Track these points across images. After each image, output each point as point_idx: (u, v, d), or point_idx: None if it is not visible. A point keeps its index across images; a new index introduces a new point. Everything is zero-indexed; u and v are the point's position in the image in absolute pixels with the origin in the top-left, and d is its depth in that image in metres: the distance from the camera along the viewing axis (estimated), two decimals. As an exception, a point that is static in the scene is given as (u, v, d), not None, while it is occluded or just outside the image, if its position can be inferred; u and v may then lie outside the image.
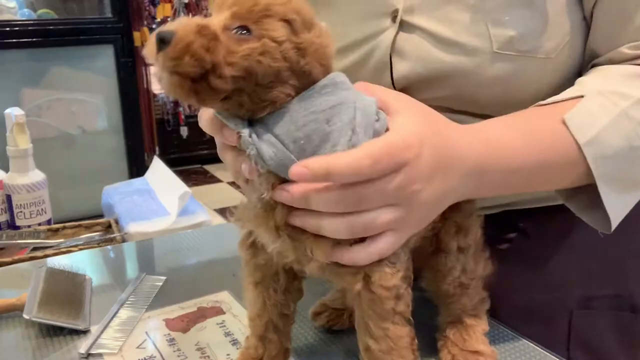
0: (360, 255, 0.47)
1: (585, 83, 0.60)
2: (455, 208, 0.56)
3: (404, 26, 0.63)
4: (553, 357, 0.61)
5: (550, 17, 0.60)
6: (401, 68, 0.64)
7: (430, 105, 0.56)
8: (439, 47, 0.61)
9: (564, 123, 0.56)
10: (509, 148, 0.55)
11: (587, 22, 0.63)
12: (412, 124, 0.48)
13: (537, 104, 0.60)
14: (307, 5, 0.47)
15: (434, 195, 0.49)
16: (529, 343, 0.63)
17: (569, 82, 0.63)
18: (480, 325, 0.60)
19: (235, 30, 0.44)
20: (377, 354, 0.50)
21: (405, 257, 0.51)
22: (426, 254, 0.58)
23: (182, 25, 0.43)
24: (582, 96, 0.58)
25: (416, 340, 0.52)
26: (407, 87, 0.64)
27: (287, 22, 0.45)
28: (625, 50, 0.60)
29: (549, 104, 0.59)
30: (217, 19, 0.45)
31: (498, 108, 0.63)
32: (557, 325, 0.71)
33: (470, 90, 0.62)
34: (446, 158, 0.50)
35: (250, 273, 0.56)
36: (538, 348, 0.62)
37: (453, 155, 0.51)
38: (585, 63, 0.65)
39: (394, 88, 0.64)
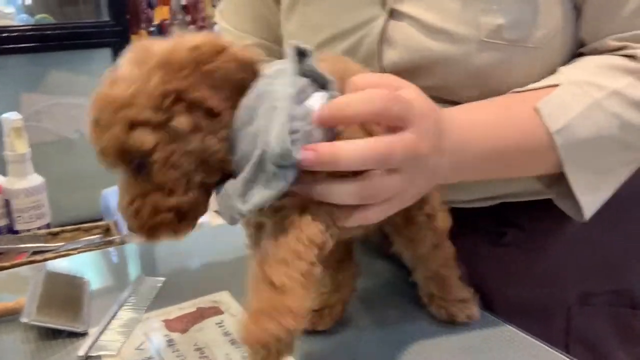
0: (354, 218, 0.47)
1: (563, 72, 0.61)
2: None
3: (393, 14, 0.63)
4: (553, 351, 0.61)
5: (540, 7, 0.60)
6: (390, 56, 0.64)
7: None
8: (428, 35, 0.62)
9: (537, 111, 0.58)
10: (487, 129, 0.57)
11: (577, 12, 0.63)
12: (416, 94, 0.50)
13: (513, 90, 0.61)
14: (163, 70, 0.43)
15: (432, 166, 0.50)
16: (528, 337, 0.63)
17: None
18: (454, 274, 0.65)
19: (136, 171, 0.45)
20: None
21: None
22: (396, 225, 0.61)
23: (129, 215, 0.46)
24: (557, 85, 0.59)
25: (319, 269, 0.46)
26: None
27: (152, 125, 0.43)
28: (610, 41, 0.61)
29: (525, 91, 0.60)
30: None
31: (485, 98, 0.63)
32: (555, 321, 0.71)
33: (458, 79, 0.62)
34: (440, 131, 0.51)
35: None
36: (538, 342, 0.62)
37: (444, 129, 0.52)
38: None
39: None
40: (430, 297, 0.66)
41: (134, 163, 0.44)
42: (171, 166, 0.44)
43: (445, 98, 0.65)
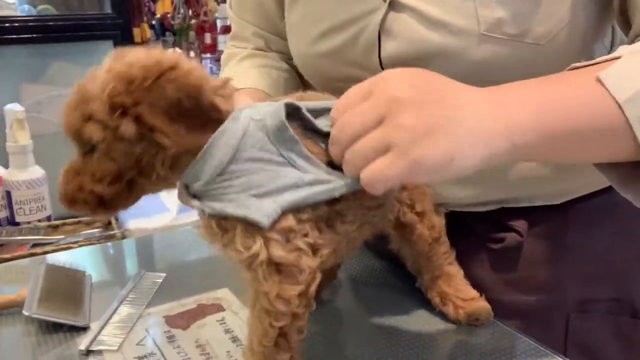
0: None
1: (622, 48, 0.54)
2: (404, 188, 0.60)
3: (394, 5, 0.63)
4: (554, 355, 0.61)
5: (543, 1, 0.58)
6: (389, 48, 0.64)
7: None
8: (428, 27, 0.61)
9: (600, 81, 0.49)
10: (537, 91, 0.51)
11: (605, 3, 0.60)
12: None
13: (570, 66, 0.54)
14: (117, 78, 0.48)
15: (426, 119, 0.46)
16: (529, 340, 0.63)
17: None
18: (459, 272, 0.66)
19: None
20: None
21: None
22: (388, 224, 0.61)
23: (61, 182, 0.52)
24: (619, 57, 0.51)
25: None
26: (394, 68, 0.64)
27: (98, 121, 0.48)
28: None
29: (582, 66, 0.53)
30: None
31: None
32: (554, 327, 0.70)
33: (457, 72, 0.60)
34: (445, 87, 0.49)
35: None
36: (539, 346, 0.62)
37: (457, 88, 0.50)
38: (632, 37, 0.59)
39: (382, 68, 0.64)
40: (444, 297, 0.65)
41: (84, 146, 0.51)
42: (109, 159, 0.50)
43: None
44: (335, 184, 0.50)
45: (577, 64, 0.54)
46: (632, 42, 0.58)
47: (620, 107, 0.48)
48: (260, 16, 0.81)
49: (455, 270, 0.66)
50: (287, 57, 0.80)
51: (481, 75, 0.60)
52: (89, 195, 0.51)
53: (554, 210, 0.70)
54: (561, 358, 0.60)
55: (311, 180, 0.49)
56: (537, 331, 0.66)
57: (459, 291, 0.65)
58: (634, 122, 0.48)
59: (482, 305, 0.65)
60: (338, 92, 0.52)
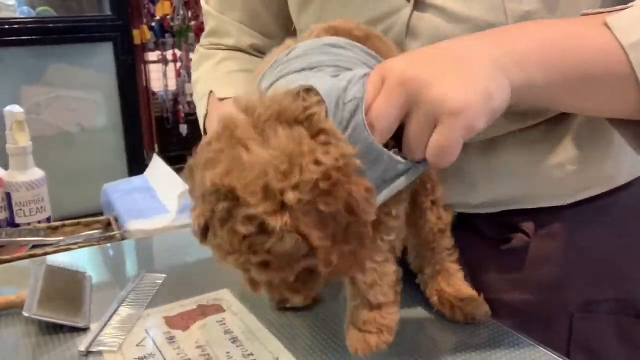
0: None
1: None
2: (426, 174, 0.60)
3: (418, 5, 0.62)
4: (556, 357, 0.61)
5: None
6: (414, 48, 0.63)
7: None
8: (453, 24, 0.60)
9: (607, 25, 0.50)
10: (545, 45, 0.51)
11: None
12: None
13: (582, 13, 0.55)
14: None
15: (447, 80, 0.47)
16: (531, 342, 0.63)
17: None
18: (459, 271, 0.66)
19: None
20: (361, 286, 0.54)
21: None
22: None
23: None
24: (629, 6, 0.52)
25: (401, 285, 0.56)
26: None
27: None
28: None
29: (593, 13, 0.54)
30: None
31: None
32: (558, 328, 0.70)
33: None
34: (446, 54, 0.50)
35: None
36: (541, 348, 0.62)
37: (456, 47, 0.51)
38: None
39: None
40: (441, 296, 0.66)
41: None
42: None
43: None
44: (413, 168, 0.50)
45: (589, 11, 0.54)
46: None
47: (624, 51, 0.49)
48: (251, 16, 0.79)
49: (456, 269, 0.66)
50: None
51: None
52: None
53: (560, 212, 0.70)
54: (560, 357, 0.60)
55: (404, 169, 0.50)
56: (541, 331, 0.66)
57: (458, 291, 0.65)
58: (637, 66, 0.48)
59: (479, 305, 0.65)
60: None
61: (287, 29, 0.78)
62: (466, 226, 0.71)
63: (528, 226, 0.70)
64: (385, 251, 0.53)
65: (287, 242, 0.43)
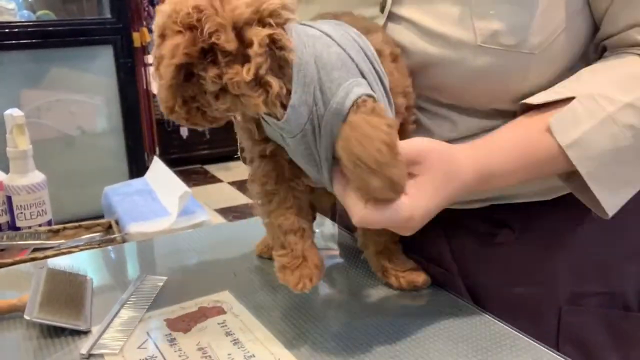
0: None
1: (582, 80, 0.62)
2: None
3: (392, 17, 0.64)
4: (545, 349, 0.61)
5: (538, 12, 0.60)
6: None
7: (418, 96, 0.64)
8: (425, 39, 0.63)
9: (549, 129, 0.60)
10: (502, 155, 0.61)
11: (591, 7, 0.63)
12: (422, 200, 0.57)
13: (529, 100, 0.63)
14: None
15: (445, 195, 0.59)
16: (520, 335, 0.64)
17: (565, 75, 0.64)
18: (400, 247, 0.73)
19: None
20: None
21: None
22: None
23: None
24: (573, 97, 0.60)
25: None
26: None
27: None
28: (637, 35, 0.61)
29: (542, 104, 0.62)
30: None
31: (484, 102, 0.64)
32: (546, 320, 0.71)
33: (454, 82, 0.63)
34: (453, 174, 0.58)
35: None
36: (530, 340, 0.62)
37: (457, 187, 0.59)
38: (597, 41, 0.66)
39: None
40: (385, 271, 0.73)
41: None
42: None
43: (444, 102, 0.66)
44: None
45: (533, 101, 0.62)
46: (596, 48, 0.66)
47: (563, 150, 0.60)
48: None
49: (395, 248, 0.73)
50: None
51: (478, 83, 0.63)
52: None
53: (546, 206, 0.71)
54: (552, 352, 0.60)
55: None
56: (529, 324, 0.67)
57: (398, 265, 0.73)
58: (576, 162, 0.60)
59: (419, 274, 0.73)
60: None
61: None
62: (455, 222, 0.72)
63: (514, 221, 0.71)
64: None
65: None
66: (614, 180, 0.61)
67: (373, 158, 0.51)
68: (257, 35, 0.50)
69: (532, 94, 0.63)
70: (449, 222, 0.70)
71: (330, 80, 0.54)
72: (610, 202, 0.62)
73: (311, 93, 0.54)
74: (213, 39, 0.49)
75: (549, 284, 0.72)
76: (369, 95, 0.54)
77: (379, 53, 0.60)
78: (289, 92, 0.53)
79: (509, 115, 0.65)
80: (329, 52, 0.55)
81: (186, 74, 0.52)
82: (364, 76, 0.56)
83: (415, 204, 0.56)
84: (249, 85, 0.51)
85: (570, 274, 0.72)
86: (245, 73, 0.50)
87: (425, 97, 0.67)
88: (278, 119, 0.55)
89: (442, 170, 0.57)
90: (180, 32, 0.50)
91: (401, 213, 0.55)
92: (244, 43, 0.50)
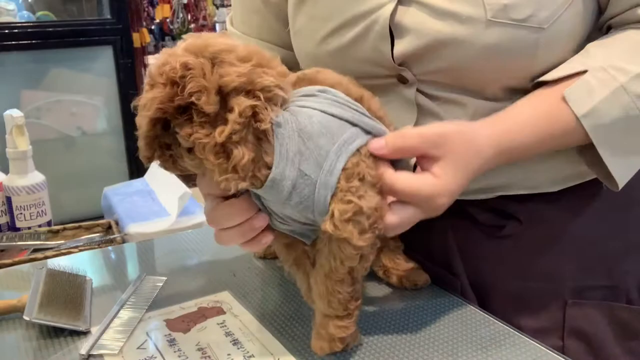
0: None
1: (591, 53, 0.64)
2: None
3: (402, 0, 0.64)
4: (547, 350, 0.61)
5: None
6: (401, 42, 0.65)
7: (430, 82, 0.65)
8: (436, 18, 0.63)
9: (564, 99, 0.62)
10: (521, 130, 0.63)
11: None
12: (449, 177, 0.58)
13: (543, 78, 0.64)
14: None
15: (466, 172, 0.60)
16: (523, 336, 0.63)
17: (570, 54, 0.66)
18: (399, 246, 0.74)
19: None
20: (313, 295, 0.59)
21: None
22: None
23: None
24: (585, 71, 0.62)
25: (358, 303, 0.59)
26: (406, 61, 0.66)
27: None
28: (639, 11, 0.64)
29: (555, 79, 0.64)
30: None
31: (494, 81, 0.65)
32: (552, 314, 0.72)
33: (465, 61, 0.64)
34: (469, 173, 0.60)
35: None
36: (531, 341, 0.62)
37: (479, 165, 0.60)
38: (602, 23, 0.67)
39: (394, 62, 0.66)
40: (385, 270, 0.74)
41: None
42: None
43: (456, 85, 0.66)
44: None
45: (548, 78, 0.64)
46: (600, 28, 0.68)
47: (579, 119, 0.61)
48: (269, 32, 0.82)
49: (396, 246, 0.73)
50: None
51: (488, 61, 0.64)
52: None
53: (552, 198, 0.71)
54: (548, 349, 0.61)
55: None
56: (535, 316, 0.68)
57: (399, 264, 0.73)
58: (590, 131, 0.61)
59: (419, 273, 0.73)
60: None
61: None
62: (461, 214, 0.72)
63: (520, 213, 0.71)
64: (342, 273, 0.57)
65: None
66: (625, 149, 0.63)
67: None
68: (240, 104, 0.50)
69: (542, 72, 0.65)
70: (455, 214, 0.70)
71: (319, 147, 0.54)
72: (621, 172, 0.64)
73: (296, 168, 0.53)
74: (193, 99, 0.49)
75: (554, 277, 0.72)
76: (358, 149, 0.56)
77: (360, 98, 0.61)
78: (268, 167, 0.53)
79: (519, 96, 0.66)
80: (311, 122, 0.55)
81: (164, 123, 0.52)
82: (352, 123, 0.57)
83: (441, 186, 0.58)
84: (213, 149, 0.51)
85: (575, 267, 0.72)
86: (218, 135, 0.50)
87: (435, 83, 0.67)
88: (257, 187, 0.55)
89: (463, 151, 0.59)
90: (163, 84, 0.51)
91: (429, 195, 0.57)
92: (225, 108, 0.51)
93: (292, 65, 0.77)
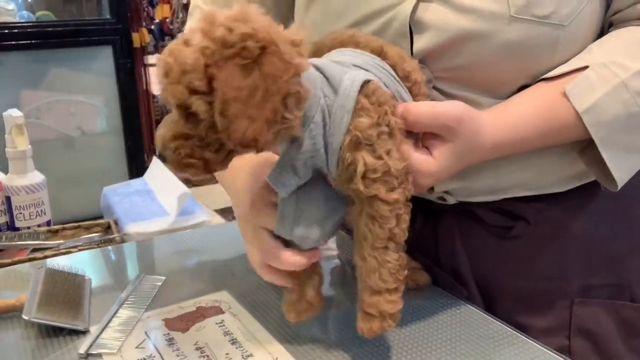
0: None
1: (593, 51, 0.65)
2: None
3: None
4: (551, 353, 0.61)
5: None
6: (421, 38, 0.64)
7: (447, 79, 0.65)
8: (458, 14, 0.63)
9: (565, 94, 0.62)
10: (520, 124, 0.63)
11: None
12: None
13: (546, 75, 0.65)
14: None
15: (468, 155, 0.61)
16: (518, 334, 0.64)
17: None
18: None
19: None
20: (361, 271, 0.57)
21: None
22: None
23: (170, 146, 0.54)
24: (587, 67, 0.63)
25: (405, 272, 0.57)
26: (426, 58, 0.65)
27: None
28: None
29: (556, 76, 0.64)
30: None
31: (513, 79, 0.65)
32: (558, 313, 0.72)
33: (486, 57, 0.63)
34: (462, 165, 0.61)
35: None
36: (535, 343, 0.62)
37: (474, 158, 0.62)
38: (606, 18, 0.68)
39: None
40: None
41: (187, 112, 0.51)
42: (214, 129, 0.50)
43: (474, 84, 0.66)
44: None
45: (550, 74, 0.64)
46: (603, 25, 0.68)
47: (579, 115, 0.62)
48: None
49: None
50: None
51: (508, 57, 0.63)
52: (199, 160, 0.53)
53: (558, 199, 0.71)
54: (548, 349, 0.61)
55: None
56: (541, 317, 0.68)
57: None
58: (590, 127, 0.62)
59: (421, 273, 0.74)
60: None
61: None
62: (468, 215, 0.72)
63: (529, 213, 0.71)
64: (384, 238, 0.55)
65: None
66: (625, 147, 0.63)
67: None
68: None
69: None
70: (462, 215, 0.71)
71: (337, 74, 0.54)
72: (620, 171, 0.64)
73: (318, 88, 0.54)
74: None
75: (561, 277, 0.72)
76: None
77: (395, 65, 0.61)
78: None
79: None
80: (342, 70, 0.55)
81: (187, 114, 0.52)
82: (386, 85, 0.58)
83: (434, 169, 0.58)
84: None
85: (582, 267, 0.72)
86: None
87: (451, 80, 0.66)
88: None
89: (468, 141, 0.59)
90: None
91: (421, 169, 0.58)
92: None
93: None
